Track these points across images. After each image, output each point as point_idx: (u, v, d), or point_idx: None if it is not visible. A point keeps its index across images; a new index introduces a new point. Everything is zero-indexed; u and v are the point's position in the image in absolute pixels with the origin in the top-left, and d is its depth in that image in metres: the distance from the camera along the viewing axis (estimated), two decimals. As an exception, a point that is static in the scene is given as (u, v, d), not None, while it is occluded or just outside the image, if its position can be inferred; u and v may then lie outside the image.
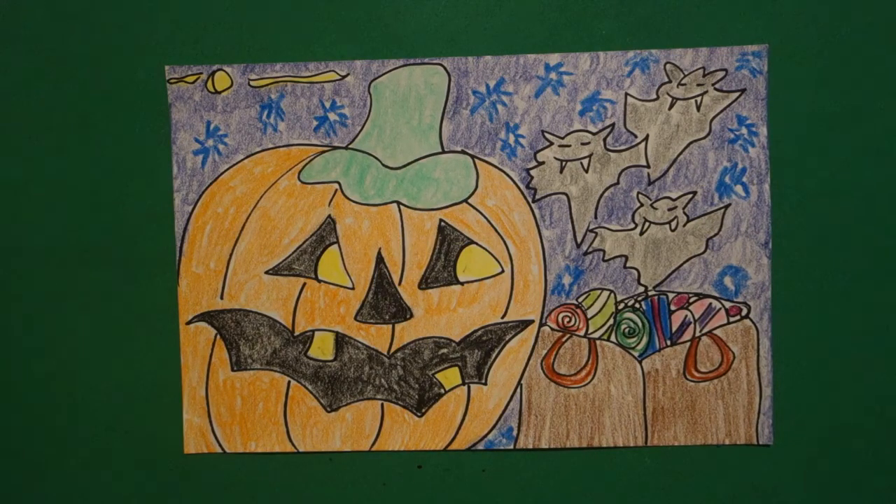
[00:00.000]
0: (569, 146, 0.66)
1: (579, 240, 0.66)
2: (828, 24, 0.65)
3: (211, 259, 0.67)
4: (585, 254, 0.66)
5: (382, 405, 0.67)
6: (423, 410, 0.67)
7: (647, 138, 0.66)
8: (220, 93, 0.67)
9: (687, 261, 0.66)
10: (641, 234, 0.66)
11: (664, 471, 0.67)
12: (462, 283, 0.66)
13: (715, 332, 0.66)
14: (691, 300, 0.66)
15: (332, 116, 0.66)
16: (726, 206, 0.65)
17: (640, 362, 0.66)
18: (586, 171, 0.66)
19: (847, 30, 0.65)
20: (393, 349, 0.66)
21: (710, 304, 0.66)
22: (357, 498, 0.68)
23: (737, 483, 0.67)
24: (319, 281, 0.66)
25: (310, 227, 0.66)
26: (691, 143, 0.65)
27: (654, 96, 0.65)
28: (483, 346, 0.66)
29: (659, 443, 0.66)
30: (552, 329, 0.66)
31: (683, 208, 0.66)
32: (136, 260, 0.67)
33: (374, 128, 0.66)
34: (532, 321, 0.66)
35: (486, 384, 0.67)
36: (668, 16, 0.65)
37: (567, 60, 0.65)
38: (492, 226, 0.66)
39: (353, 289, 0.66)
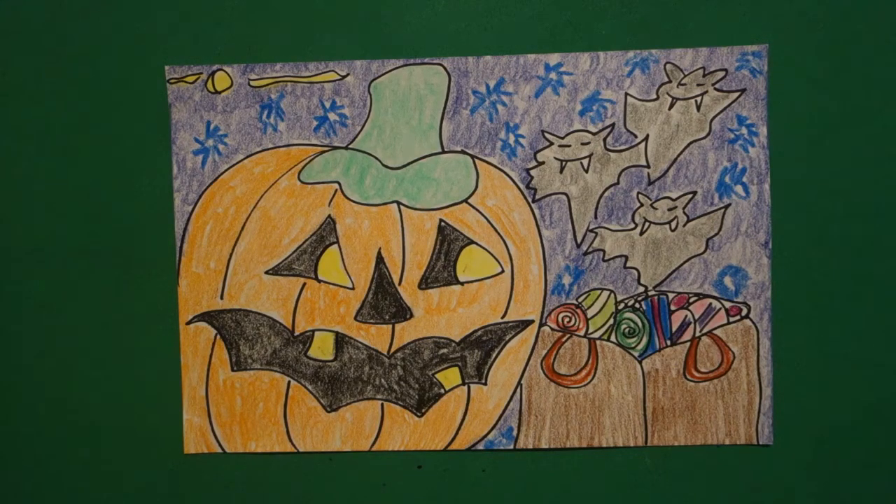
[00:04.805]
0: (569, 146, 0.66)
1: (579, 240, 0.66)
2: (828, 24, 0.65)
3: (211, 259, 0.67)
4: (585, 254, 0.66)
5: (382, 405, 0.67)
6: (423, 410, 0.67)
7: (647, 138, 0.65)
8: (220, 93, 0.67)
9: (687, 261, 0.66)
10: (641, 234, 0.66)
11: (664, 471, 0.67)
12: (462, 283, 0.66)
13: (715, 332, 0.66)
14: (691, 300, 0.66)
15: (332, 116, 0.66)
16: (726, 206, 0.65)
17: (640, 362, 0.66)
18: (586, 171, 0.66)
19: (847, 30, 0.65)
20: (393, 349, 0.66)
21: (710, 304, 0.66)
22: (357, 498, 0.68)
23: (737, 483, 0.67)
24: (319, 281, 0.66)
25: (310, 227, 0.66)
26: (691, 143, 0.65)
27: (654, 96, 0.65)
28: (483, 346, 0.66)
29: (659, 443, 0.66)
30: (552, 329, 0.66)
31: (683, 208, 0.66)
32: (136, 260, 0.67)
33: (374, 128, 0.66)
34: (532, 321, 0.66)
35: (486, 384, 0.67)
36: (668, 16, 0.65)
37: (567, 60, 0.65)
38: (492, 226, 0.66)
39: (353, 289, 0.66)
